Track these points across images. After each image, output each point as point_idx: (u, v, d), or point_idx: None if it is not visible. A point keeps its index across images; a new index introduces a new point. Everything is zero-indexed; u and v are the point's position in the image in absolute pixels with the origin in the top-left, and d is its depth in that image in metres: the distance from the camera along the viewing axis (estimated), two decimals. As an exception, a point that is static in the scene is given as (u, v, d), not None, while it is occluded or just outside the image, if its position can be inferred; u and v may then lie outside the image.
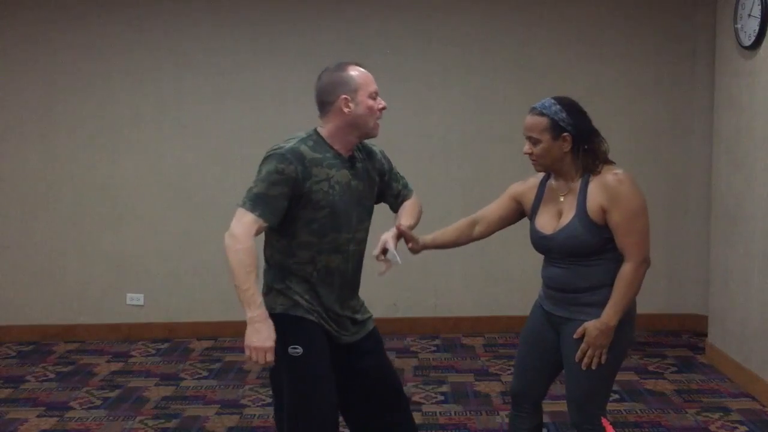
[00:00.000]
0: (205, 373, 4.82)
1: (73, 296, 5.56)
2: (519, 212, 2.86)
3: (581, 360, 2.61)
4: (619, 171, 2.60)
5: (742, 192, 4.39)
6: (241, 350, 5.25)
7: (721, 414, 4.02)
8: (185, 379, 4.73)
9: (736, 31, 4.42)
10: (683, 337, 5.43)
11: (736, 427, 3.85)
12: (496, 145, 5.43)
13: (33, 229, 5.53)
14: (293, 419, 2.61)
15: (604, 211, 2.55)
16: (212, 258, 5.56)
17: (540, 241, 2.71)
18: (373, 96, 2.62)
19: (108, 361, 5.08)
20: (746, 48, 4.30)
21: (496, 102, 5.41)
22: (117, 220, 5.53)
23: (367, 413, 2.80)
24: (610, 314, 2.56)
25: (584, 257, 2.61)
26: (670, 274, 5.55)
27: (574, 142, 2.59)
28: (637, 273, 2.55)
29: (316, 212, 2.56)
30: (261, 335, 2.44)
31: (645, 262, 2.57)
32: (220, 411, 4.19)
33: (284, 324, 2.54)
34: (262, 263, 2.68)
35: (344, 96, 2.58)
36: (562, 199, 2.67)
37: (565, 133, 2.58)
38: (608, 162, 2.64)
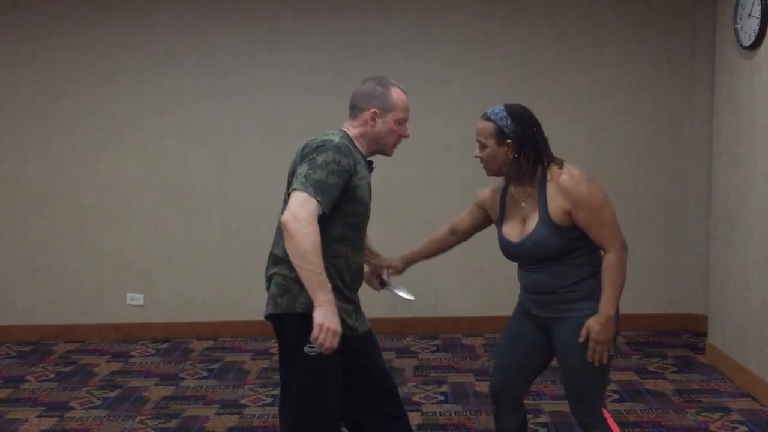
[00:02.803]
0: (205, 373, 4.82)
1: (73, 296, 5.56)
2: (487, 218, 2.97)
3: (586, 357, 2.62)
4: (572, 170, 2.63)
5: (742, 192, 4.38)
6: (241, 350, 5.30)
7: (721, 414, 4.02)
8: (185, 379, 4.73)
9: (736, 31, 4.42)
10: (683, 337, 5.43)
11: (736, 427, 3.85)
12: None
13: (33, 229, 5.53)
14: (298, 418, 2.61)
15: (568, 214, 2.60)
16: (212, 258, 5.57)
17: (508, 249, 2.76)
18: (401, 122, 2.70)
19: (108, 361, 5.08)
20: (746, 48, 4.30)
21: (496, 102, 5.33)
22: (117, 220, 5.53)
23: (363, 413, 2.81)
24: (606, 305, 2.60)
25: (555, 259, 2.65)
26: (670, 274, 5.56)
27: (517, 149, 2.63)
28: (620, 259, 2.61)
29: (356, 207, 2.60)
30: (335, 318, 2.44)
31: (623, 248, 2.63)
32: (220, 411, 4.19)
33: (304, 323, 2.53)
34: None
35: (374, 110, 2.65)
36: (523, 205, 2.71)
37: (509, 140, 2.64)
38: (557, 162, 2.67)
